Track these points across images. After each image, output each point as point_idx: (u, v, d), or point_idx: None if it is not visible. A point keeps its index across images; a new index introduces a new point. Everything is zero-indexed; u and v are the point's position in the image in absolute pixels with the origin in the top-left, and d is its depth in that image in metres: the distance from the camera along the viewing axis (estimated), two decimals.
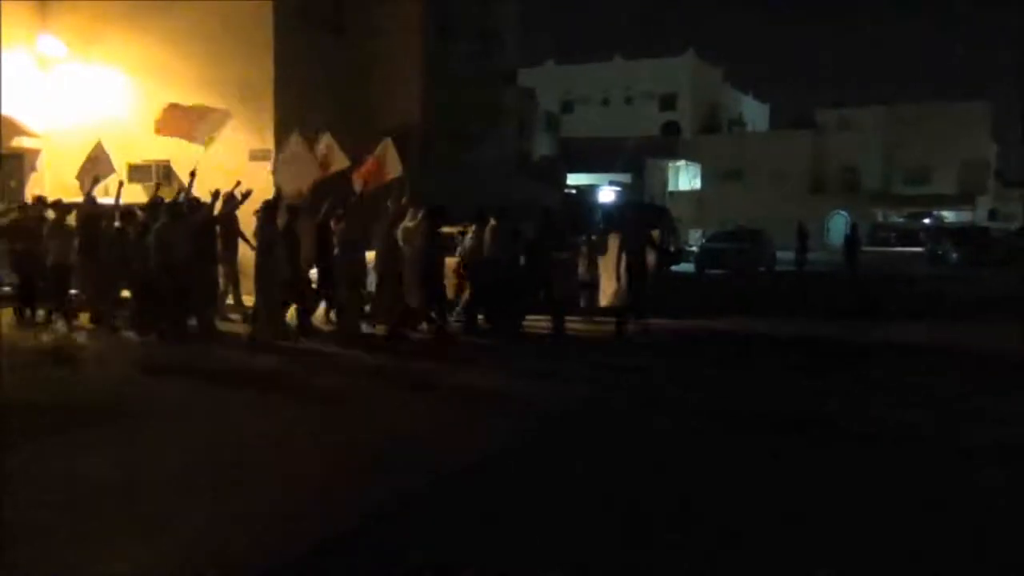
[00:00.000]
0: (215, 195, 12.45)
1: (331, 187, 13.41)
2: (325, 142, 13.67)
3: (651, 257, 13.76)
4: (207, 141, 13.46)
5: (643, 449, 6.63)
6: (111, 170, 13.72)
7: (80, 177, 13.50)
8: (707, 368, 10.40)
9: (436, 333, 12.24)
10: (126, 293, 12.78)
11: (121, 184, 13.35)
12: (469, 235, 13.18)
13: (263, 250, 11.61)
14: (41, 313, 13.01)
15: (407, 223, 12.66)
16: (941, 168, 53.19)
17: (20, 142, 18.10)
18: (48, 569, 4.30)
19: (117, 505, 5.19)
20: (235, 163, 16.27)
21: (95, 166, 13.59)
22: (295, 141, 13.40)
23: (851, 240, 29.40)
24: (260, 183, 14.02)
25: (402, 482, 5.67)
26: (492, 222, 12.94)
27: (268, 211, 11.81)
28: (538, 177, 30.19)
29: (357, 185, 13.12)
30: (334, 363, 10.38)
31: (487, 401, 8.40)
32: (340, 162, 13.53)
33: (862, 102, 59.26)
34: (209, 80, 17.30)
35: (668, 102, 61.48)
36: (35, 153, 18.42)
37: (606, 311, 13.40)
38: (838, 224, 50.57)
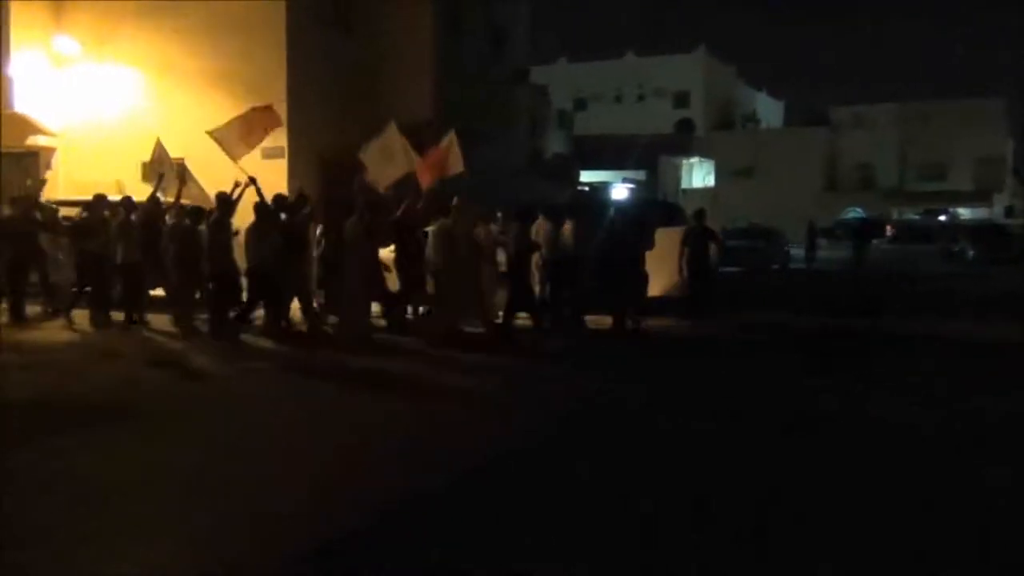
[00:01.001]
0: (301, 198, 12.62)
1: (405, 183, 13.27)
2: (449, 142, 13.31)
3: (713, 251, 13.93)
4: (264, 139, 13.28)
5: (659, 448, 6.64)
6: (172, 166, 13.49)
7: (150, 179, 13.40)
8: (719, 366, 10.40)
9: (536, 327, 12.28)
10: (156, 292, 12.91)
11: (183, 182, 13.10)
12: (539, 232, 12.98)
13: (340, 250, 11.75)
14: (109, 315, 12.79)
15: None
16: (956, 165, 52.89)
17: (35, 140, 18.25)
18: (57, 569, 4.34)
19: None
20: (247, 160, 16.36)
21: (158, 165, 13.48)
22: (391, 132, 13.11)
23: (859, 237, 29.50)
24: (273, 181, 14.08)
25: (418, 481, 5.68)
26: (568, 221, 12.91)
27: (342, 212, 11.97)
28: (550, 175, 30.15)
29: (423, 181, 13.01)
30: (403, 361, 10.35)
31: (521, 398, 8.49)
32: (457, 165, 13.27)
33: (876, 99, 59.01)
34: (221, 78, 17.40)
35: (681, 99, 61.38)
36: (50, 151, 18.56)
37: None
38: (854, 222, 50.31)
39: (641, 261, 12.76)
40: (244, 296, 12.00)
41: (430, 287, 12.35)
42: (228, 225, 11.96)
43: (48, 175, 18.45)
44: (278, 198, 12.59)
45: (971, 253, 31.59)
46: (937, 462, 6.25)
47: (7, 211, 13.59)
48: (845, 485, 5.67)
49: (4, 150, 16.72)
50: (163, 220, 12.63)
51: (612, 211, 14.02)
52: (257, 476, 5.80)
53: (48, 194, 17.71)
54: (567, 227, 12.80)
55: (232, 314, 11.88)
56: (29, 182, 18.29)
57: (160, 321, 12.68)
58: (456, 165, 13.12)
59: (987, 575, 4.38)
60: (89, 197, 13.52)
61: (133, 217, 12.88)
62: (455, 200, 12.50)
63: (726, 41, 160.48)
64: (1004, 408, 7.98)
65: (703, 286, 13.67)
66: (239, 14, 17.32)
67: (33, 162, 18.48)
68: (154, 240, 12.39)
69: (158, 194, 13.14)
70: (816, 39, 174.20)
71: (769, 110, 69.49)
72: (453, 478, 5.75)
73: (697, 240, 13.64)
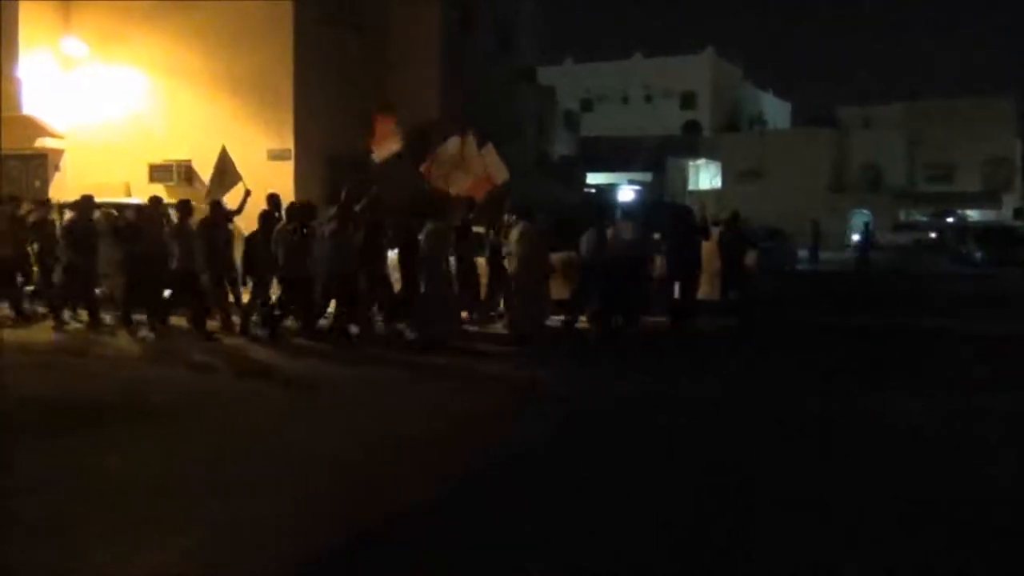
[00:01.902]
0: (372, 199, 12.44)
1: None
2: (487, 153, 13.44)
3: (750, 256, 14.04)
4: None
5: (671, 449, 6.63)
6: (238, 177, 13.26)
7: (210, 188, 13.05)
8: (728, 365, 10.39)
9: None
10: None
11: (248, 193, 12.83)
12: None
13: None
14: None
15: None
16: (965, 166, 52.60)
17: (43, 142, 18.31)
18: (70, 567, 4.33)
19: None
20: (254, 162, 16.40)
21: (223, 176, 13.30)
22: (465, 143, 13.25)
23: (864, 238, 29.74)
24: (279, 183, 14.08)
25: (433, 480, 5.68)
26: (625, 222, 13.02)
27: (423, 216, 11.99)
28: (557, 176, 30.13)
29: (477, 192, 13.16)
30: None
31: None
32: (502, 174, 13.35)
33: (884, 99, 58.81)
34: (229, 79, 17.46)
35: (688, 100, 61.30)
36: (58, 153, 18.62)
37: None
38: (860, 223, 50.18)
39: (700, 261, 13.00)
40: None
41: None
42: (301, 229, 11.81)
43: (56, 176, 18.49)
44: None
45: (979, 255, 31.46)
46: (938, 463, 6.24)
47: (67, 214, 13.19)
48: (849, 483, 5.66)
49: (13, 152, 16.79)
50: (224, 225, 12.32)
51: (673, 211, 14.18)
52: (270, 477, 5.77)
53: (56, 196, 17.77)
54: (625, 227, 12.83)
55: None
56: (37, 183, 18.36)
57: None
58: (501, 173, 13.30)
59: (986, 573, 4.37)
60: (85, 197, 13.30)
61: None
62: (506, 207, 12.64)
63: (733, 41, 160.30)
64: (1003, 408, 7.98)
65: (740, 290, 13.79)
66: (246, 15, 17.36)
67: (41, 164, 18.54)
68: (214, 247, 12.00)
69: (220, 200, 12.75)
70: (823, 40, 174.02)
71: (776, 111, 69.37)
72: (467, 478, 5.76)
73: (732, 244, 13.71)
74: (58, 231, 13.27)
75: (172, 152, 17.70)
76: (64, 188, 17.91)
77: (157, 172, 17.80)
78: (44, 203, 13.56)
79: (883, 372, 9.91)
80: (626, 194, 34.48)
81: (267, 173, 15.41)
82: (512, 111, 25.05)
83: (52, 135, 18.34)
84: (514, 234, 11.93)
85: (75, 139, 18.54)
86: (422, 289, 11.41)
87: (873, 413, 7.76)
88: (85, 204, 12.84)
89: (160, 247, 12.12)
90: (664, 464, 6.19)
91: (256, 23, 17.43)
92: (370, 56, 19.90)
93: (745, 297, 14.10)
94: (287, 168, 16.84)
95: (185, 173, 17.66)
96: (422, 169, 13.46)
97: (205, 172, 17.42)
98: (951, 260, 33.04)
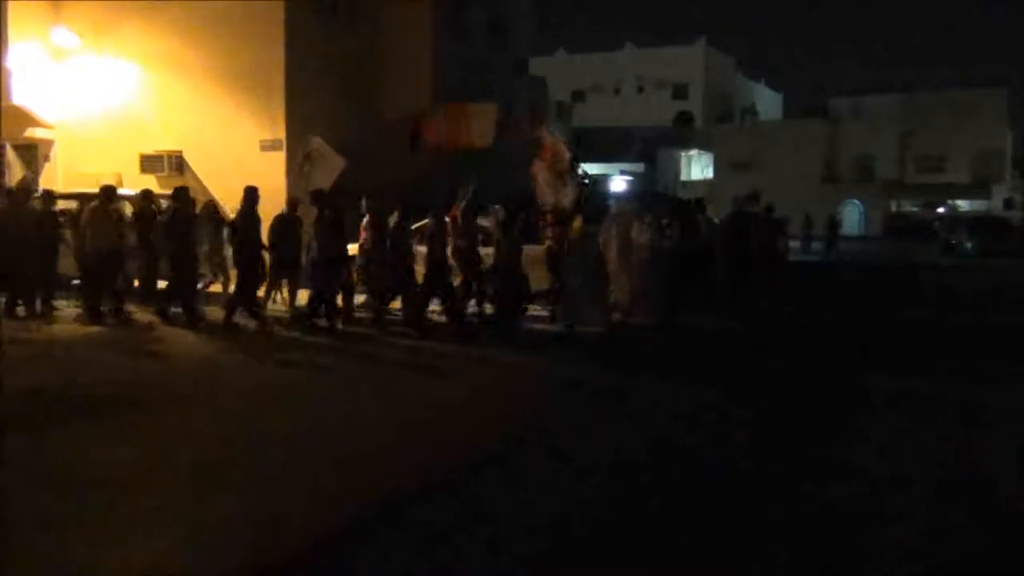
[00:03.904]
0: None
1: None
2: (550, 139, 13.64)
3: (781, 244, 14.29)
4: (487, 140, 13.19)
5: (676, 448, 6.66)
6: (340, 162, 12.86)
7: (313, 179, 12.65)
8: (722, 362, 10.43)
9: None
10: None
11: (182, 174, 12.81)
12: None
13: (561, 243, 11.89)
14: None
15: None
16: (956, 157, 52.73)
17: (33, 133, 18.23)
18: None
19: None
20: (246, 153, 16.38)
21: (324, 161, 13.00)
22: (552, 140, 13.43)
23: (832, 228, 30.26)
24: (270, 174, 14.05)
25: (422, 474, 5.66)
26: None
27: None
28: None
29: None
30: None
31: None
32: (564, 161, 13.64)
33: (876, 90, 58.76)
34: (220, 70, 17.38)
35: (680, 91, 61.29)
36: (48, 143, 18.54)
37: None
38: (852, 214, 50.38)
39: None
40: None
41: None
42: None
43: (47, 167, 18.42)
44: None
45: (969, 245, 31.59)
46: (935, 461, 6.27)
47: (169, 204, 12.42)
48: (847, 483, 5.70)
49: (3, 142, 16.70)
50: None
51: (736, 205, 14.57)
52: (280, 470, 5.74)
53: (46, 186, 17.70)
54: (702, 220, 13.09)
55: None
56: (30, 174, 18.28)
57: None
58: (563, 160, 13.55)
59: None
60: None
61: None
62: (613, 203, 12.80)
63: (725, 32, 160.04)
64: (996, 407, 8.00)
65: (772, 274, 14.22)
66: (237, 6, 17.26)
67: (32, 154, 18.46)
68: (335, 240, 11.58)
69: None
70: (815, 31, 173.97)
71: (768, 102, 69.41)
72: (472, 464, 5.80)
73: (765, 231, 14.05)
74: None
75: (163, 143, 17.66)
76: (54, 179, 17.87)
77: (148, 163, 17.74)
78: (145, 194, 12.76)
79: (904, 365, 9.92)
80: (618, 184, 34.45)
81: (259, 164, 15.40)
82: (504, 102, 25.00)
83: (42, 125, 18.26)
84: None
85: (66, 130, 18.46)
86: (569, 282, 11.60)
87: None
88: (182, 195, 12.16)
89: (258, 241, 11.84)
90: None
91: (248, 14, 17.33)
92: (362, 47, 19.84)
93: (778, 282, 14.54)
94: (279, 159, 16.79)
95: (176, 164, 17.62)
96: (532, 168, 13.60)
97: (196, 163, 17.45)
98: (942, 251, 33.12)
